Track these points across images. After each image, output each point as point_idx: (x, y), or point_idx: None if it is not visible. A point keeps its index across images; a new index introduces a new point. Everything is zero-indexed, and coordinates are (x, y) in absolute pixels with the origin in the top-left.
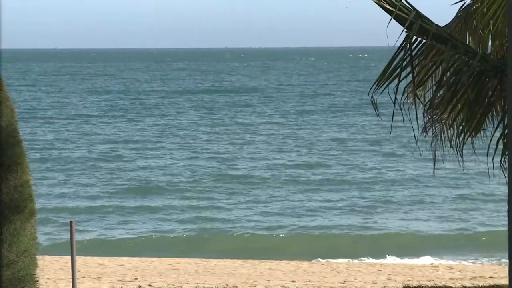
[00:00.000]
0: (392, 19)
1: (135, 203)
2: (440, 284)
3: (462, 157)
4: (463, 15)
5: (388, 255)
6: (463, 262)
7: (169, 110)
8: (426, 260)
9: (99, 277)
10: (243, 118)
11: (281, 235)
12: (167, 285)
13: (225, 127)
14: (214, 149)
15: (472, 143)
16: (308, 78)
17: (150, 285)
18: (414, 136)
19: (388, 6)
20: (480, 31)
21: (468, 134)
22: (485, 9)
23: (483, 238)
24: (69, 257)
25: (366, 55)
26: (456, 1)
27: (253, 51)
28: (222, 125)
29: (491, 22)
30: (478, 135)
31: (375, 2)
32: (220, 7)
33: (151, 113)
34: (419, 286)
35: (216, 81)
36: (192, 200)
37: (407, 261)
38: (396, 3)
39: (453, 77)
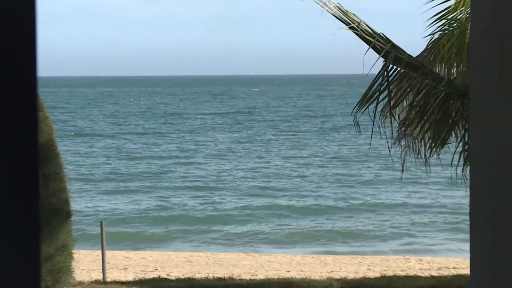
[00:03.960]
0: (371, 48)
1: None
2: (411, 274)
3: (429, 166)
4: (432, 47)
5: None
6: (432, 255)
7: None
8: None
9: (125, 268)
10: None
11: (280, 232)
12: (182, 275)
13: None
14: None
15: (438, 155)
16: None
17: (168, 275)
18: (388, 148)
19: (367, 37)
20: (446, 61)
21: (435, 148)
22: (450, 42)
23: (449, 231)
24: (100, 251)
25: (354, 80)
26: (426, 35)
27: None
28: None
29: (454, 52)
30: (443, 149)
31: (356, 34)
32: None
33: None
34: (394, 275)
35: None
36: (208, 202)
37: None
38: (375, 35)
39: (423, 100)
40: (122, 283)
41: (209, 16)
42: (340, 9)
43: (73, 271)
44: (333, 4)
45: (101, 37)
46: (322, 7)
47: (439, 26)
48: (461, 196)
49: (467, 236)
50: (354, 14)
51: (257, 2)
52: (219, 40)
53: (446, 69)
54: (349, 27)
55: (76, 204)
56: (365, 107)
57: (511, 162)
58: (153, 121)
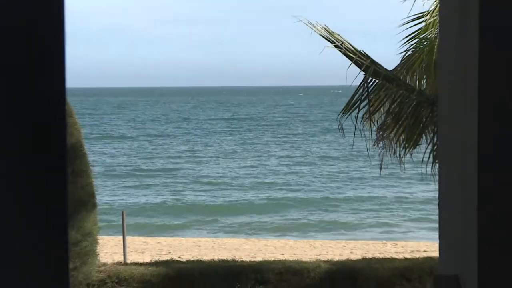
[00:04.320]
0: (353, 63)
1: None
2: (388, 256)
3: (404, 164)
4: (405, 62)
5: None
6: (405, 240)
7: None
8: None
9: (142, 252)
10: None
11: (276, 221)
12: (192, 257)
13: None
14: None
15: (411, 154)
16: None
17: (179, 257)
18: (367, 149)
19: (350, 54)
20: (417, 74)
21: (408, 148)
22: (420, 58)
23: (420, 220)
24: (121, 237)
25: (340, 91)
26: (401, 52)
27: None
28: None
29: (423, 66)
30: (415, 149)
31: (340, 51)
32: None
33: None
34: (373, 257)
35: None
36: (216, 196)
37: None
38: (356, 52)
39: (398, 107)
40: (140, 264)
41: (215, 35)
42: (327, 30)
43: (98, 254)
44: (320, 26)
45: (120, 54)
46: (311, 28)
47: (411, 45)
48: (431, 190)
49: (436, 224)
50: (338, 34)
51: (258, 26)
52: (221, 56)
53: (417, 81)
54: (334, 46)
55: (101, 197)
56: (348, 113)
57: (471, 159)
58: (168, 125)
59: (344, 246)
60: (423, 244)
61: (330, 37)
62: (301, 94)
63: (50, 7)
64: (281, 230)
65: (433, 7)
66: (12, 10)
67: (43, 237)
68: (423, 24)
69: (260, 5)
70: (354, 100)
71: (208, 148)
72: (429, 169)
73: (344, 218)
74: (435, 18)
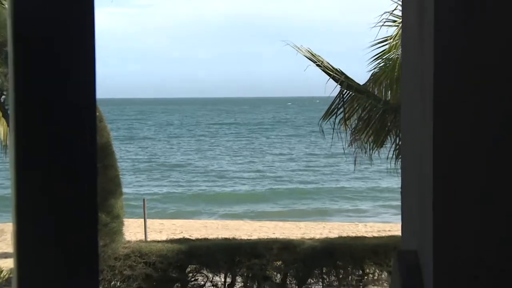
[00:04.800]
0: (331, 79)
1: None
2: (359, 235)
3: (372, 160)
4: (373, 78)
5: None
6: (374, 221)
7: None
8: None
9: (160, 231)
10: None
11: (270, 208)
12: (200, 236)
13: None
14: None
15: (378, 152)
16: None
17: (190, 235)
18: (343, 148)
19: (328, 71)
20: (383, 87)
21: (376, 147)
22: (385, 74)
23: (382, 206)
24: (142, 220)
25: (317, 101)
26: (370, 70)
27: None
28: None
29: (388, 81)
30: (381, 148)
31: (320, 69)
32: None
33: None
34: (347, 236)
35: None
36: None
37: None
38: (333, 69)
39: (367, 114)
40: (158, 241)
41: (216, 55)
42: (310, 52)
43: (124, 233)
44: (304, 48)
45: (140, 69)
46: (297, 50)
47: (378, 63)
48: (395, 181)
49: (399, 209)
50: (319, 55)
51: (256, 47)
52: (222, 73)
53: (383, 93)
54: (316, 64)
55: (127, 188)
56: (328, 119)
57: (427, 155)
58: (182, 129)
59: (323, 227)
60: (388, 225)
61: (312, 58)
62: (289, 104)
63: (81, 17)
64: (273, 215)
65: (395, 33)
66: (47, 20)
67: (77, 218)
68: (387, 46)
69: (248, 31)
70: (332, 108)
71: (215, 147)
72: (393, 164)
73: (325, 205)
74: (396, 41)
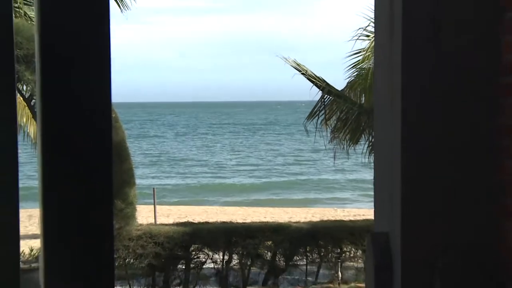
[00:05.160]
0: (314, 85)
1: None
2: (338, 219)
3: (349, 155)
4: (350, 84)
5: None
6: (350, 207)
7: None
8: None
9: (167, 216)
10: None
11: (262, 196)
12: (202, 220)
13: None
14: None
15: (354, 148)
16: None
17: (193, 219)
18: (324, 145)
19: (312, 79)
20: (358, 92)
21: (352, 144)
22: (359, 81)
23: (363, 196)
24: (152, 206)
25: (303, 104)
26: (346, 78)
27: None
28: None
29: (362, 87)
30: (357, 145)
31: (305, 77)
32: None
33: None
34: (328, 219)
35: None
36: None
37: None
38: (316, 77)
39: (345, 116)
40: (166, 225)
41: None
42: (296, 62)
43: (136, 218)
44: (291, 59)
45: (152, 77)
46: (285, 61)
47: (353, 72)
48: (368, 173)
49: (372, 198)
50: (304, 65)
51: (251, 58)
52: (222, 80)
53: (358, 97)
54: (301, 73)
55: (139, 179)
56: (311, 120)
57: (396, 150)
58: (188, 129)
59: (307, 212)
60: (363, 211)
61: (298, 67)
62: (279, 107)
63: (98, 27)
64: (265, 203)
65: (367, 46)
66: (70, 34)
67: (95, 204)
68: (361, 57)
69: (245, 45)
70: (314, 110)
71: (216, 144)
72: (367, 159)
73: (309, 194)
74: (369, 53)
